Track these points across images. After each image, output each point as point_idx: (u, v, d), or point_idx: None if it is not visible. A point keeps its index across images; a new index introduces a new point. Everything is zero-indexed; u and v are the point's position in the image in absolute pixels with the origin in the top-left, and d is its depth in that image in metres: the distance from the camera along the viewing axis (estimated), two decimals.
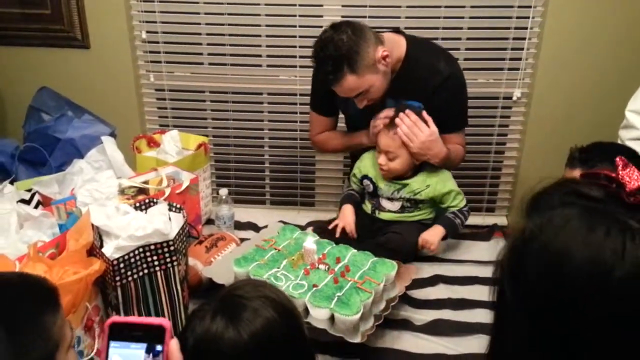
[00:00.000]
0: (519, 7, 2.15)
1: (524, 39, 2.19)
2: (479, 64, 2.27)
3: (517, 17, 2.17)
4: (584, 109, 2.28)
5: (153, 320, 0.60)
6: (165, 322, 0.58)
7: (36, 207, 1.36)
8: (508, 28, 2.19)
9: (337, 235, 1.58)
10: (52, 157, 1.50)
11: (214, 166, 2.54)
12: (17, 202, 1.30)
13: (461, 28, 2.21)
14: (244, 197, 2.52)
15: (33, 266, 1.01)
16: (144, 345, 0.59)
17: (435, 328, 1.35)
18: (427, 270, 1.55)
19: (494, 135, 2.39)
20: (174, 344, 0.60)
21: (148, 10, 2.28)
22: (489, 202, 2.54)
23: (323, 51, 1.48)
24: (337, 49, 1.46)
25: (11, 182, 1.40)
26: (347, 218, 1.63)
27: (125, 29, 2.30)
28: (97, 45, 2.33)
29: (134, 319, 0.61)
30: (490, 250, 1.66)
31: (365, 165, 1.68)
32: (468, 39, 2.23)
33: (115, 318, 0.64)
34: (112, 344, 0.61)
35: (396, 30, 1.67)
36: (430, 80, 1.60)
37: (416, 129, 1.52)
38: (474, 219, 1.81)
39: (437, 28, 2.21)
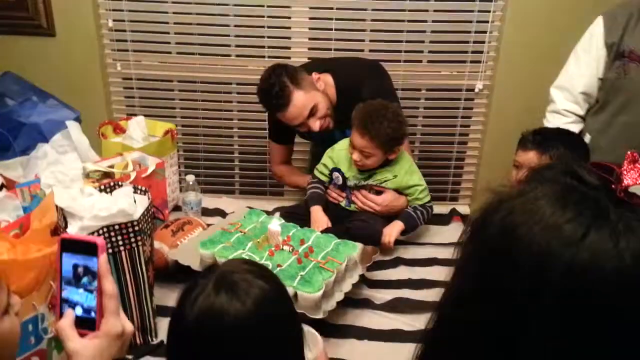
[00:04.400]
0: (480, 1, 2.22)
1: (485, 32, 2.27)
2: (443, 56, 2.34)
3: (479, 11, 2.24)
4: (544, 100, 2.35)
5: (89, 238, 0.79)
6: (98, 239, 0.75)
7: (0, 189, 1.36)
8: (470, 21, 2.26)
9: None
10: (16, 142, 1.49)
11: (183, 155, 2.54)
12: None
13: (425, 21, 2.27)
14: (214, 187, 2.54)
15: None
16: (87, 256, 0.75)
17: (394, 306, 1.40)
18: (389, 252, 1.61)
19: (457, 126, 2.47)
20: (103, 259, 0.75)
21: None
22: (453, 192, 2.62)
23: (267, 81, 1.67)
24: (278, 75, 1.66)
25: None
26: (321, 222, 1.62)
27: (91, 17, 2.28)
28: (63, 33, 2.31)
29: (77, 236, 0.82)
30: (449, 233, 1.72)
31: (338, 157, 1.68)
32: (432, 31, 2.29)
33: (64, 235, 0.81)
34: (64, 255, 0.76)
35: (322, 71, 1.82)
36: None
37: (370, 203, 1.65)
38: (438, 208, 1.86)
39: (403, 21, 2.27)
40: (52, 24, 2.28)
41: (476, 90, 2.38)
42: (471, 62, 2.33)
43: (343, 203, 1.70)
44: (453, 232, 1.73)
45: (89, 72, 2.39)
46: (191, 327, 0.79)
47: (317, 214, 1.65)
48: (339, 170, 1.67)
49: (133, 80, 2.43)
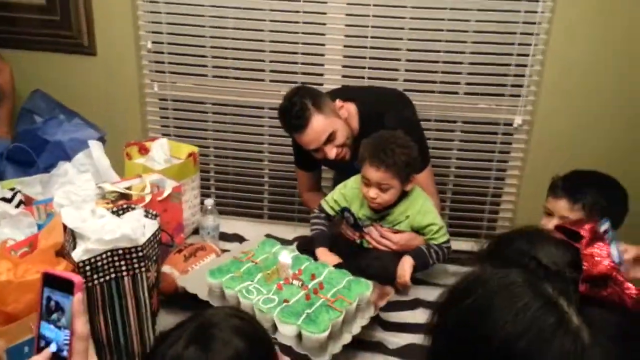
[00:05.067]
0: (521, 34, 2.14)
1: (525, 65, 2.18)
2: (480, 89, 2.25)
3: (519, 44, 2.15)
4: (587, 137, 2.24)
5: (67, 275, 0.76)
6: (76, 278, 0.74)
7: (17, 206, 1.37)
8: (510, 54, 2.18)
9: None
10: (40, 159, 1.51)
11: (213, 177, 2.55)
12: None
13: (463, 52, 2.20)
14: (241, 210, 2.52)
15: None
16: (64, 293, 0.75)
17: (409, 352, 1.31)
18: (407, 292, 1.52)
19: (494, 161, 2.36)
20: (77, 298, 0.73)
21: (155, 21, 2.32)
22: (488, 229, 2.50)
23: (289, 100, 1.66)
24: (301, 96, 1.65)
25: None
26: (331, 262, 1.51)
27: (131, 38, 2.34)
28: (104, 52, 2.37)
29: (58, 272, 0.78)
30: None
31: (349, 196, 1.61)
32: (470, 63, 2.22)
33: (47, 269, 0.79)
34: (45, 289, 0.76)
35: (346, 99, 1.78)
36: None
37: (385, 242, 1.58)
38: (471, 246, 1.77)
39: (439, 51, 2.21)
40: (94, 43, 2.35)
41: (515, 125, 2.27)
42: (510, 95, 2.24)
43: (357, 241, 1.63)
44: None
45: (126, 92, 2.44)
46: None
47: (325, 255, 1.55)
48: (349, 210, 1.61)
49: (168, 101, 2.47)
